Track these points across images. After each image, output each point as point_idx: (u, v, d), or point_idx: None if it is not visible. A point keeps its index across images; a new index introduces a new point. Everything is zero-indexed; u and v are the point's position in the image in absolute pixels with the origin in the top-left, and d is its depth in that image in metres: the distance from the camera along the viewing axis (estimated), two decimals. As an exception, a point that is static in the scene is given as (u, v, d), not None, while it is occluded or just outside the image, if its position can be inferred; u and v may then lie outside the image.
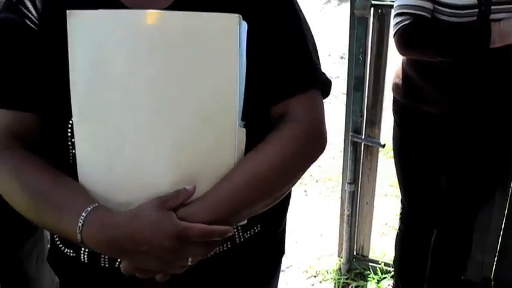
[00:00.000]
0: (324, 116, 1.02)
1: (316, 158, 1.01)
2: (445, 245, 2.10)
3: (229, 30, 0.87)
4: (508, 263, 2.28)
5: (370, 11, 2.11)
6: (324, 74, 1.03)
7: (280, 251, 1.19)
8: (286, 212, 1.16)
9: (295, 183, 1.01)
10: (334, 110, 4.12)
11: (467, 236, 2.07)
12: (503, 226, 2.24)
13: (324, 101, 1.04)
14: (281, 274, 2.59)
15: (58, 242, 1.05)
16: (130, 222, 0.85)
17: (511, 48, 1.62)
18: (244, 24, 0.89)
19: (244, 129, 0.92)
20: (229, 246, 1.01)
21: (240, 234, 1.02)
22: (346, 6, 2.14)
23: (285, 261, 2.72)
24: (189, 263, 0.89)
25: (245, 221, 0.96)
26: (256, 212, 0.95)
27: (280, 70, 0.97)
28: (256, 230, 1.04)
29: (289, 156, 0.94)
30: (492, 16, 1.61)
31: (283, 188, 0.97)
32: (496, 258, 2.32)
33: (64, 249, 1.03)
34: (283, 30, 0.97)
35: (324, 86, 1.03)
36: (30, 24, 0.94)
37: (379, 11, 2.13)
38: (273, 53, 0.96)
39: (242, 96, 0.91)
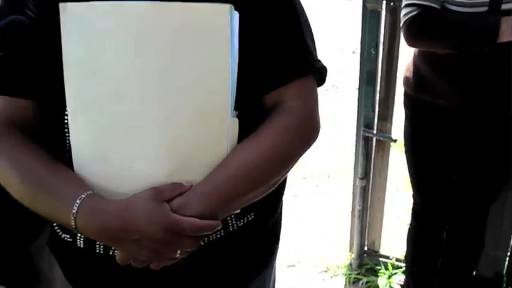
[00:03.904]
0: (317, 105, 1.03)
1: (309, 147, 1.03)
2: (457, 241, 2.09)
3: (221, 21, 0.87)
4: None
5: (382, 4, 2.10)
6: (319, 61, 1.03)
7: (274, 238, 1.19)
8: (280, 200, 1.16)
9: (287, 172, 1.02)
10: (346, 105, 4.11)
11: (479, 232, 2.06)
12: (516, 222, 2.22)
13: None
14: (292, 269, 2.62)
15: (56, 228, 1.07)
16: (124, 210, 0.87)
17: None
18: (236, 14, 0.89)
19: (236, 119, 0.92)
20: (222, 234, 1.01)
21: (234, 222, 1.02)
22: (358, 1, 2.13)
23: (296, 256, 2.73)
24: (178, 255, 0.90)
25: (238, 210, 0.98)
26: (249, 200, 0.96)
27: (273, 58, 0.97)
28: (250, 218, 1.05)
29: (281, 146, 0.95)
30: (504, 6, 1.59)
31: (275, 177, 0.98)
32: (508, 254, 2.30)
33: (61, 235, 1.05)
34: (276, 18, 0.97)
35: (319, 73, 1.03)
36: (30, 14, 0.94)
37: (392, 4, 2.11)
38: (265, 41, 0.96)
39: (235, 86, 0.91)
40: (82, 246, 1.01)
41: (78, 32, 0.89)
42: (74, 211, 0.88)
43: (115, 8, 0.88)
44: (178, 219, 0.86)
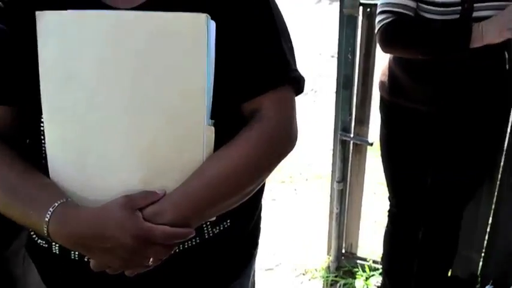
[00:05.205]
0: (294, 114, 1.04)
1: (285, 156, 1.03)
2: (432, 242, 2.12)
3: (197, 30, 0.88)
4: (495, 259, 2.31)
5: (359, 10, 2.12)
6: (296, 70, 1.04)
7: (251, 245, 1.19)
8: (258, 206, 1.17)
9: (263, 180, 1.03)
10: (326, 109, 4.14)
11: (454, 233, 2.09)
12: (489, 223, 2.26)
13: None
14: (270, 272, 2.63)
15: (32, 233, 1.06)
16: (96, 219, 0.87)
17: (495, 47, 1.63)
18: (213, 23, 0.90)
19: (212, 127, 0.93)
20: (198, 241, 1.02)
21: (209, 229, 1.03)
22: (337, 6, 2.16)
23: (274, 259, 2.74)
24: (150, 263, 0.90)
25: (214, 218, 0.98)
26: (224, 209, 0.96)
27: (250, 67, 0.97)
28: (226, 225, 1.05)
29: (256, 155, 0.96)
30: (475, 14, 1.63)
31: (250, 186, 0.98)
32: (482, 255, 2.34)
33: (37, 240, 1.05)
34: (254, 28, 0.98)
35: (296, 82, 1.03)
36: (8, 21, 0.95)
37: (368, 10, 2.14)
38: (242, 51, 0.96)
39: (211, 95, 0.92)
40: (57, 252, 1.01)
41: (53, 40, 0.89)
42: (47, 219, 0.88)
43: (90, 17, 0.89)
44: (150, 227, 0.87)
